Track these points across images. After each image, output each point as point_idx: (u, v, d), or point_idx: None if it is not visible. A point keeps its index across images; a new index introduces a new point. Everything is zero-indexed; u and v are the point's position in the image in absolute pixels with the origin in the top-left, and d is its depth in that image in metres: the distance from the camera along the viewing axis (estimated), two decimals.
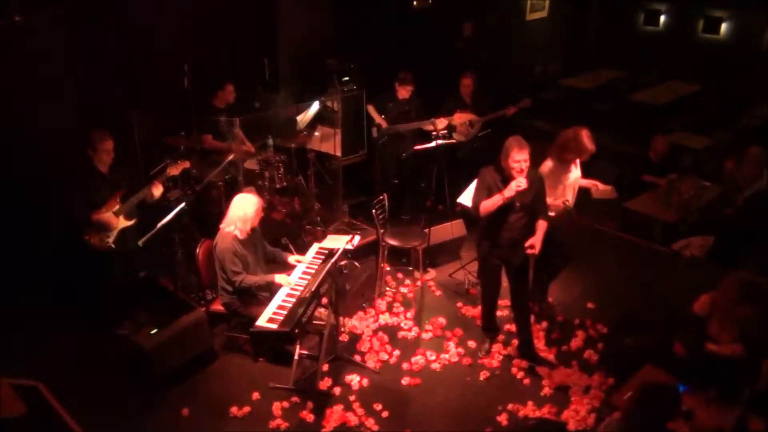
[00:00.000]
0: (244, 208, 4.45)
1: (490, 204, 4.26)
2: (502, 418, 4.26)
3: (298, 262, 4.84)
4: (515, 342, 4.93)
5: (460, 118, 6.60)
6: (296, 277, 4.66)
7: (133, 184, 4.91)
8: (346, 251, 4.60)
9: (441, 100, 6.70)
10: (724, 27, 9.35)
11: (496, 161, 4.31)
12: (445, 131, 5.97)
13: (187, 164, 5.07)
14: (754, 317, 3.60)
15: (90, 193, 4.70)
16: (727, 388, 3.70)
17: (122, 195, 4.77)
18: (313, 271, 4.69)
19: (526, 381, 4.62)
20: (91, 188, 4.70)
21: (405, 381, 4.60)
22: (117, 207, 4.73)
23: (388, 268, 5.62)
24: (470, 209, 4.53)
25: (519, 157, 4.10)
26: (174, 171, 4.96)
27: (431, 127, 6.15)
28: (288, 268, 4.82)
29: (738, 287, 3.64)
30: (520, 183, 4.09)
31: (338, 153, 6.45)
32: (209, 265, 4.70)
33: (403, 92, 6.46)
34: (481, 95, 6.74)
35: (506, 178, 4.23)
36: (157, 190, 4.86)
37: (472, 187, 5.58)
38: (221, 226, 4.53)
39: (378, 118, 6.55)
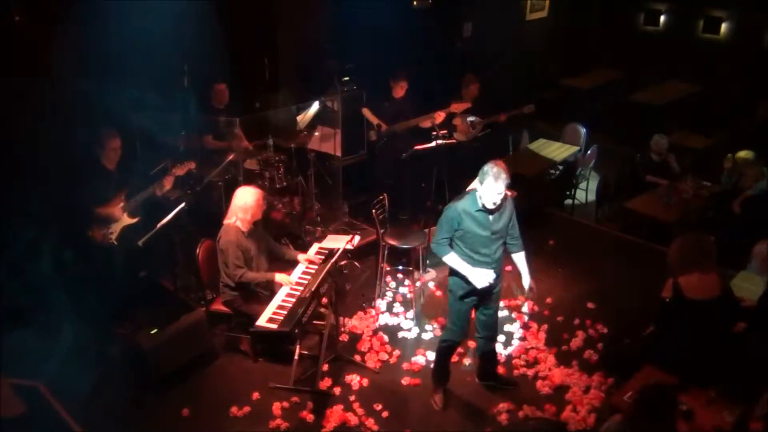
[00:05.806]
0: (244, 198, 4.49)
1: None
2: (502, 418, 4.26)
3: (308, 260, 4.83)
4: (513, 343, 4.95)
5: (457, 108, 6.47)
6: (296, 277, 4.67)
7: (137, 182, 4.93)
8: (346, 251, 4.60)
9: (441, 100, 6.69)
10: (724, 27, 9.34)
11: None
12: (446, 131, 5.95)
13: (192, 165, 5.08)
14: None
15: (96, 190, 4.73)
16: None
17: (127, 193, 4.79)
18: (313, 271, 4.70)
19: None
20: (98, 185, 4.74)
21: (405, 381, 4.60)
22: (122, 204, 4.77)
23: (388, 268, 5.62)
24: None
25: None
26: (179, 171, 4.98)
27: (429, 123, 6.12)
28: (293, 265, 4.82)
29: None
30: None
31: (338, 153, 6.45)
32: (209, 265, 4.70)
33: (399, 90, 6.43)
34: (482, 96, 6.73)
35: None
36: (169, 183, 4.91)
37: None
38: (225, 220, 4.55)
39: (376, 120, 6.51)
